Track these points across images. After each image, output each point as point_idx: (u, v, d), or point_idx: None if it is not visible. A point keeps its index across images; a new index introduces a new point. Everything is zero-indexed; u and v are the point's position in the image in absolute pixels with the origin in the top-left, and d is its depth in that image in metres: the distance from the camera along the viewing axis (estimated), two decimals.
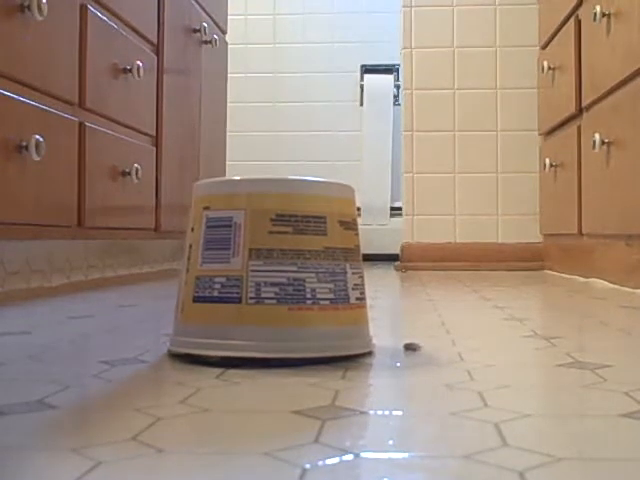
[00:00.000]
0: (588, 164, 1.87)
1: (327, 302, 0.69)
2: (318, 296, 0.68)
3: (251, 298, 0.67)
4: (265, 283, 0.67)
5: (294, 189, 0.70)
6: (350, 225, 0.73)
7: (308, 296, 0.68)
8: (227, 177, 0.75)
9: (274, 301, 0.67)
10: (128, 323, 1.02)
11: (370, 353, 0.73)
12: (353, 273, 0.72)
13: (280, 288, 0.67)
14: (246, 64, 3.42)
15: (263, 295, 0.67)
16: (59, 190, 1.38)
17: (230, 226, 0.68)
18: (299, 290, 0.67)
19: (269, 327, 0.67)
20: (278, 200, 0.69)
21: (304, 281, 0.68)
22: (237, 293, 0.67)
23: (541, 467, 0.39)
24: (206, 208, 0.70)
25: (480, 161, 2.58)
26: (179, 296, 0.72)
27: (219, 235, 0.69)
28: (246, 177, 0.71)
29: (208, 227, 0.70)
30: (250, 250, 0.67)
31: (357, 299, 0.72)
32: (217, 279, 0.68)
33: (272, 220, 0.68)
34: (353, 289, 0.72)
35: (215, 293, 0.68)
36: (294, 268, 0.68)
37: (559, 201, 2.20)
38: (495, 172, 2.58)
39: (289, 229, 0.68)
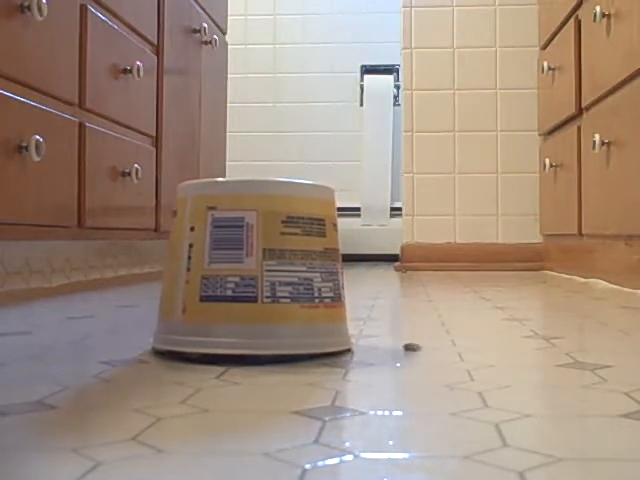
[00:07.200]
0: (588, 164, 1.87)
1: (329, 300, 0.72)
2: (323, 295, 0.72)
3: (267, 297, 0.69)
4: (280, 282, 0.69)
5: (301, 192, 0.73)
6: (336, 227, 0.76)
7: (316, 295, 0.71)
8: (225, 178, 0.76)
9: (288, 300, 0.69)
10: (128, 323, 1.02)
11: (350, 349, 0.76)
12: (341, 273, 0.76)
13: (293, 287, 0.70)
14: (246, 64, 3.42)
15: (278, 294, 0.69)
16: (59, 190, 1.38)
17: (241, 226, 0.70)
18: (308, 289, 0.70)
19: (283, 325, 0.69)
20: (288, 202, 0.71)
21: (312, 280, 0.71)
22: (252, 292, 0.68)
23: (541, 467, 0.39)
24: (211, 208, 0.71)
25: (480, 161, 2.58)
26: (175, 295, 0.71)
27: (229, 235, 0.70)
28: (253, 178, 0.73)
29: (215, 227, 0.70)
30: (264, 250, 0.69)
31: (344, 297, 0.76)
32: (230, 279, 0.69)
33: (283, 222, 0.70)
34: (343, 288, 0.76)
35: (228, 292, 0.69)
36: (304, 268, 0.70)
37: (559, 201, 2.20)
38: (495, 172, 2.58)
39: (298, 230, 0.71)
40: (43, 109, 1.31)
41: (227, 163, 2.64)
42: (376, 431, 0.47)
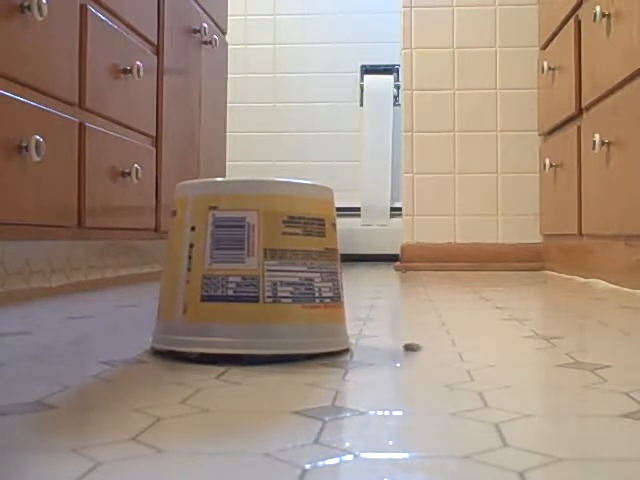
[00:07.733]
0: (588, 164, 1.87)
1: (329, 300, 0.73)
2: (323, 295, 0.72)
3: (268, 297, 0.69)
4: (281, 282, 0.69)
5: (302, 192, 0.73)
6: (336, 227, 0.77)
7: (316, 295, 0.71)
8: (226, 178, 0.76)
9: (289, 300, 0.70)
10: (128, 323, 1.02)
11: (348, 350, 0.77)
12: (340, 273, 0.76)
13: (294, 287, 0.70)
14: (246, 64, 3.42)
15: (280, 294, 0.69)
16: (59, 190, 1.38)
17: (243, 226, 0.70)
18: (309, 289, 0.71)
19: (285, 325, 0.70)
20: (289, 202, 0.71)
21: (313, 281, 0.71)
22: (254, 292, 0.69)
23: (541, 467, 0.39)
24: (213, 208, 0.71)
25: (480, 161, 2.58)
26: (175, 295, 0.72)
27: (231, 235, 0.70)
28: (254, 178, 0.73)
29: (216, 227, 0.70)
30: (265, 250, 0.69)
31: (343, 297, 0.77)
32: (232, 278, 0.69)
33: (284, 222, 0.70)
34: (341, 288, 0.76)
35: (230, 292, 0.69)
36: (304, 268, 0.71)
37: (559, 201, 2.20)
38: (495, 172, 2.58)
39: (299, 230, 0.71)
40: (43, 109, 1.31)
41: (227, 163, 2.64)
42: (376, 431, 0.47)
